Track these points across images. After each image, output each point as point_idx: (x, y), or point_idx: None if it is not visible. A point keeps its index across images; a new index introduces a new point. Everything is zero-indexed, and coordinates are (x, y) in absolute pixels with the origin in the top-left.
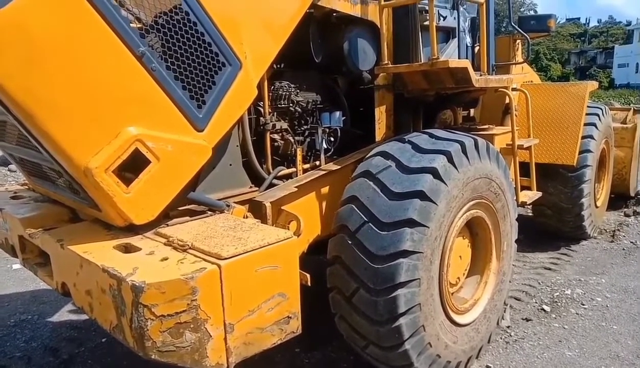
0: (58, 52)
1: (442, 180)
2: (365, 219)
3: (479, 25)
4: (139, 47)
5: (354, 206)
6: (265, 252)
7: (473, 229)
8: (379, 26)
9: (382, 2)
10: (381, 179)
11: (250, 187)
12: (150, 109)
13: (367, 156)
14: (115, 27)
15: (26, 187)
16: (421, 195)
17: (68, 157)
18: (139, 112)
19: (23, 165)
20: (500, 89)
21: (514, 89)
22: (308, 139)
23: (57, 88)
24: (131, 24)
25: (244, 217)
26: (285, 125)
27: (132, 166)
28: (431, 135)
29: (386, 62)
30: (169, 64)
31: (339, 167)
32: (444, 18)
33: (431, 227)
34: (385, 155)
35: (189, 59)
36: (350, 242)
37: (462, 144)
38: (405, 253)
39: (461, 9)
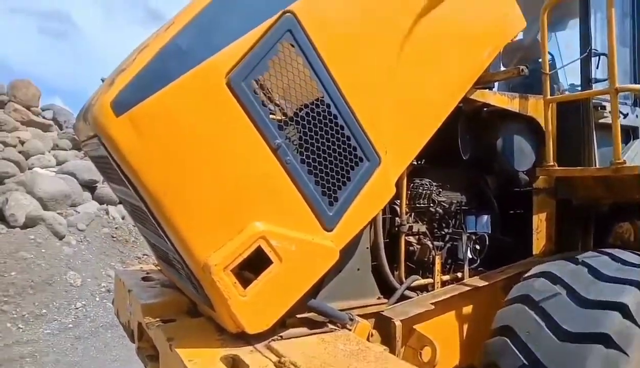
0: (195, 141)
1: (635, 322)
2: (525, 362)
3: None
4: (275, 139)
5: (508, 341)
6: None
7: None
8: (540, 123)
9: (548, 97)
10: (547, 310)
11: (379, 298)
12: (279, 203)
13: (526, 275)
14: (255, 119)
15: (158, 268)
16: (606, 341)
17: (189, 250)
18: (267, 207)
19: (154, 248)
20: None
21: None
22: (449, 245)
23: (189, 177)
24: (271, 116)
25: (368, 336)
26: (423, 227)
27: (252, 266)
28: (614, 258)
29: (552, 163)
30: (304, 158)
31: (486, 283)
32: (625, 115)
33: None
34: (551, 278)
35: (325, 153)
36: None
37: None
38: None
39: None
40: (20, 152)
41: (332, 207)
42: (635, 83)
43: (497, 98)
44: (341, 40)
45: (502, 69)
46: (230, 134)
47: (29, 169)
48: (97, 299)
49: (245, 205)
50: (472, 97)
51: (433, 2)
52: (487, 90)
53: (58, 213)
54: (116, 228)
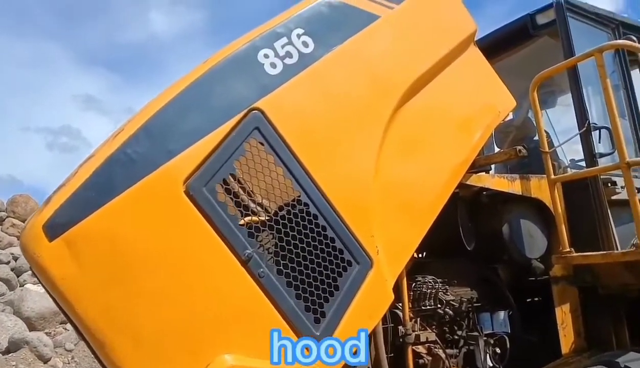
0: (148, 262)
1: None
2: None
3: None
4: (245, 250)
5: None
6: None
7: None
8: (546, 204)
9: (552, 176)
10: None
11: None
12: (253, 327)
13: None
14: (220, 228)
15: None
16: None
17: None
18: (238, 333)
19: None
20: None
21: None
22: (465, 351)
23: (140, 307)
24: (240, 222)
25: None
26: (432, 334)
27: None
28: None
29: (568, 249)
30: (281, 268)
31: None
32: (639, 190)
33: None
34: None
35: (306, 260)
36: None
37: None
38: None
39: None
40: (12, 269)
41: (319, 325)
42: (638, 154)
43: (496, 181)
44: (316, 134)
45: (497, 150)
46: (190, 249)
47: (20, 285)
48: None
49: (211, 334)
50: (468, 182)
51: (414, 88)
52: (484, 173)
53: (46, 332)
54: None
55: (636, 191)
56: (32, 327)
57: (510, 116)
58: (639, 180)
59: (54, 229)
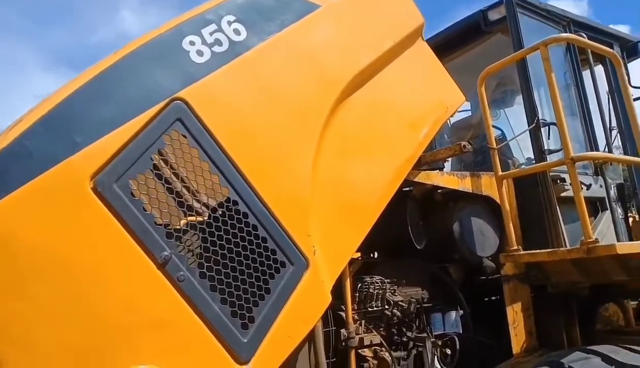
0: (45, 268)
1: None
2: None
3: (629, 192)
4: (162, 252)
5: None
6: None
7: None
8: (498, 202)
9: (500, 173)
10: None
11: None
12: (170, 336)
13: None
14: (133, 228)
15: None
16: None
17: None
18: (154, 344)
19: None
20: None
21: None
22: (415, 353)
23: (36, 319)
24: (158, 222)
25: None
26: (377, 337)
27: None
28: (607, 359)
29: (515, 247)
30: (204, 270)
31: None
32: (588, 187)
33: None
34: None
35: (234, 261)
36: None
37: None
38: None
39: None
40: None
41: (247, 331)
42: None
43: (445, 179)
44: (247, 127)
45: None
46: (98, 253)
47: None
48: None
49: (122, 347)
50: (417, 179)
51: (357, 81)
52: (437, 171)
53: None
54: None
55: (582, 187)
56: None
57: (469, 113)
58: (587, 177)
59: None
